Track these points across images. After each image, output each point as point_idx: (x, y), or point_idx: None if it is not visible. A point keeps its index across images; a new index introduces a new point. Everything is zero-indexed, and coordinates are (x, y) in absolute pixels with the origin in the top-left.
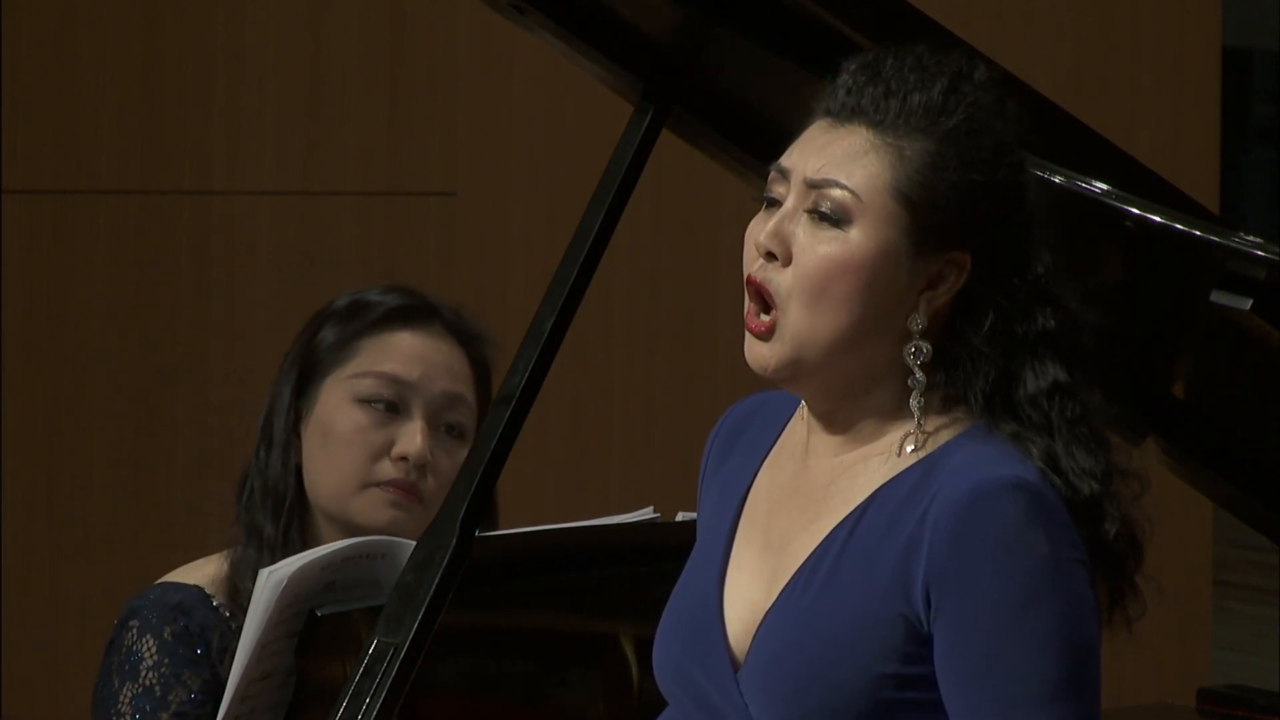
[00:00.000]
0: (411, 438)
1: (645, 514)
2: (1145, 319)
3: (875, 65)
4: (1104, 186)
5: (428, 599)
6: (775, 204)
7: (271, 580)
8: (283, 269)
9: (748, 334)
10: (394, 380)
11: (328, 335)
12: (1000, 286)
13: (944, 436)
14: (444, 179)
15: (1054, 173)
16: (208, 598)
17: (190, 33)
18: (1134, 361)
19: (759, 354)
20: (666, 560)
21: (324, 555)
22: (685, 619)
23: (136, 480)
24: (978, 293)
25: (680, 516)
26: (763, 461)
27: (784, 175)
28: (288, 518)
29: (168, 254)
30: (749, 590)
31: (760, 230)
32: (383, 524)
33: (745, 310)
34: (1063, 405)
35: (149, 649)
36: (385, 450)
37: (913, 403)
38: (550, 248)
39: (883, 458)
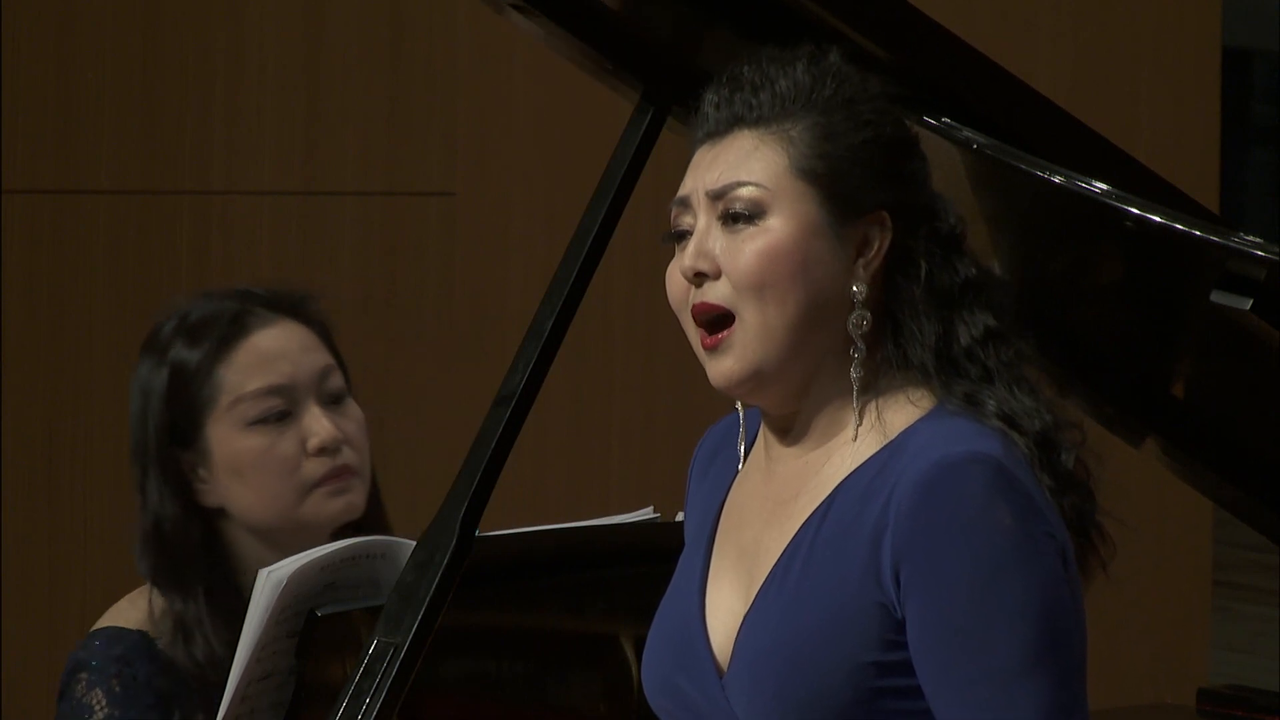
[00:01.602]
0: (318, 426)
1: (645, 514)
2: (1145, 319)
3: (732, 78)
4: (1104, 186)
5: (428, 599)
6: (684, 235)
7: (271, 580)
8: (283, 269)
9: (706, 355)
10: (272, 391)
11: (181, 373)
12: (922, 237)
13: (903, 422)
14: (443, 179)
15: (1054, 173)
16: (151, 641)
17: (190, 33)
18: (1133, 361)
19: (723, 368)
20: (666, 560)
21: (324, 555)
22: (670, 635)
23: None
24: (905, 247)
25: (680, 516)
26: (735, 477)
27: (685, 204)
28: (200, 573)
29: (168, 254)
30: (729, 600)
31: (679, 264)
32: (336, 514)
33: (695, 342)
34: (998, 351)
35: (98, 701)
36: (300, 452)
37: (852, 372)
38: (550, 248)
39: (845, 450)
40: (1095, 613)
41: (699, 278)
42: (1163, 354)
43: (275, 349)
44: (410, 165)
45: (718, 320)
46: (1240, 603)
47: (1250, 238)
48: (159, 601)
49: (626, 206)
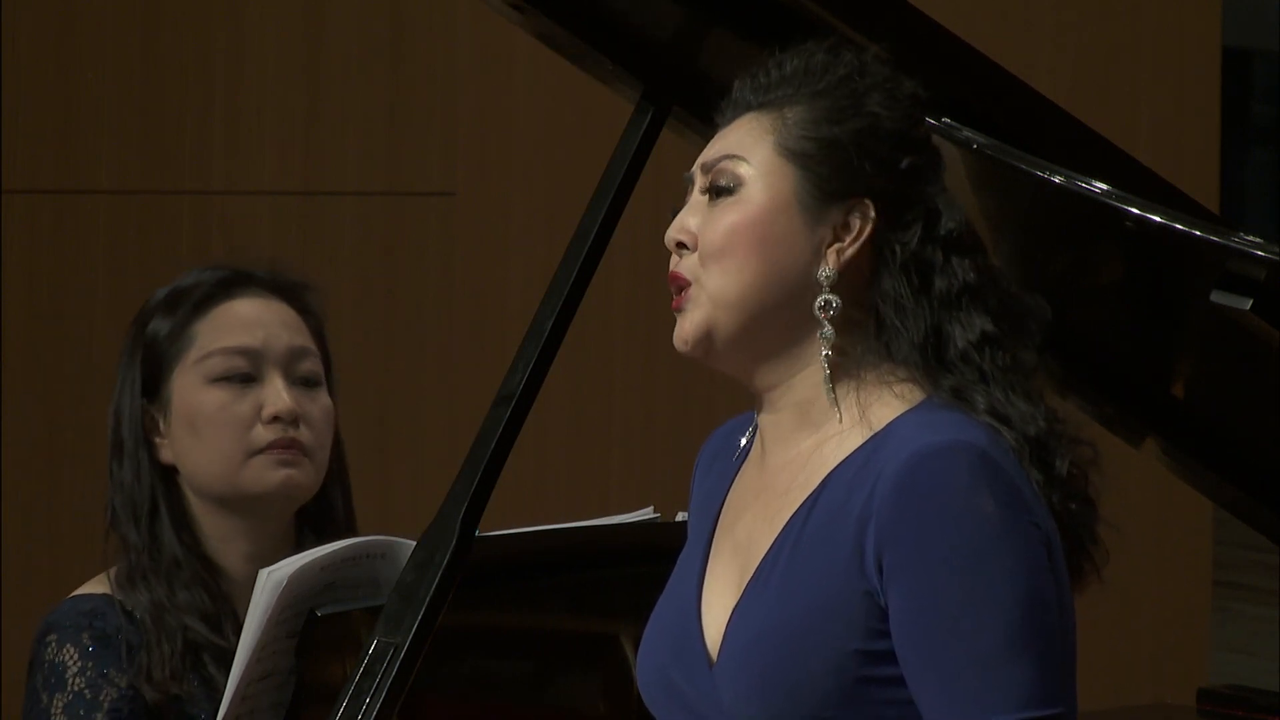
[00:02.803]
0: (276, 396)
1: (645, 514)
2: (1145, 319)
3: (759, 69)
4: (1104, 186)
5: (428, 599)
6: None
7: (271, 580)
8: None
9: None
10: (240, 352)
11: (159, 329)
12: (912, 232)
13: (891, 413)
14: (443, 179)
15: (1054, 173)
16: (118, 603)
17: (190, 33)
18: (1133, 361)
19: (678, 330)
20: (666, 560)
21: (324, 555)
22: (665, 628)
23: None
24: (889, 241)
25: (680, 516)
26: (735, 476)
27: (690, 180)
28: (150, 520)
29: (168, 254)
30: (722, 593)
31: None
32: (275, 485)
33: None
34: (994, 355)
35: (71, 657)
36: (255, 417)
37: (821, 353)
38: (550, 248)
39: (833, 441)
40: (1096, 613)
41: (679, 248)
42: (1163, 354)
43: (252, 316)
44: (410, 165)
45: (683, 290)
46: (1240, 603)
47: (1250, 238)
48: (120, 561)
49: (626, 206)
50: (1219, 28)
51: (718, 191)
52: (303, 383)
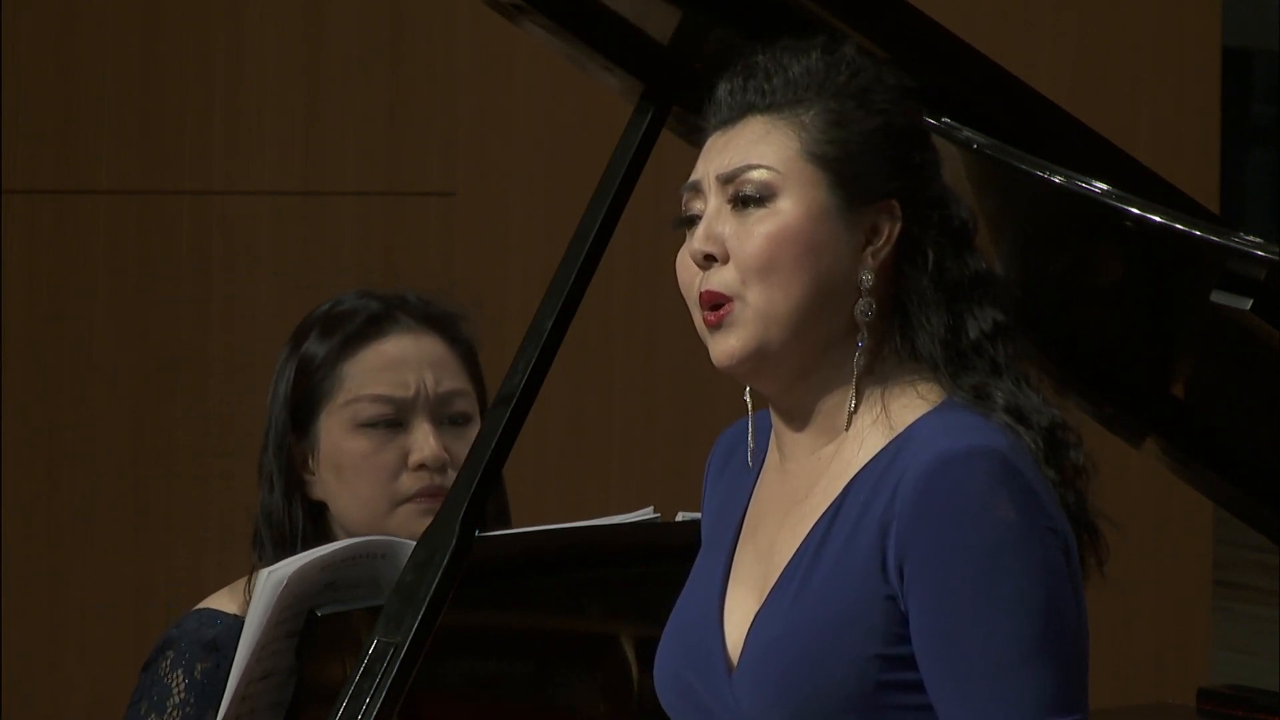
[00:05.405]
0: (424, 443)
1: (645, 514)
2: (1145, 319)
3: (748, 66)
4: (1104, 186)
5: (428, 599)
6: (694, 220)
7: (271, 580)
8: (283, 269)
9: (709, 334)
10: (388, 399)
11: (314, 354)
12: (931, 227)
13: (911, 416)
14: (443, 179)
15: (1054, 173)
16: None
17: (190, 33)
18: (1133, 362)
19: (724, 347)
20: (666, 560)
21: (324, 555)
22: (684, 633)
23: (136, 480)
24: (914, 236)
25: (680, 516)
26: (754, 481)
27: (696, 189)
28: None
29: (168, 254)
30: (744, 601)
31: (688, 248)
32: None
33: (700, 324)
34: (1005, 346)
35: (178, 685)
36: (401, 464)
37: (855, 360)
38: (550, 248)
39: (854, 443)
40: (1096, 613)
41: (707, 261)
42: (1163, 354)
43: (403, 358)
44: (410, 165)
45: (722, 305)
46: (1240, 603)
47: (1250, 238)
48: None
49: (626, 206)
50: (1219, 28)
51: (745, 201)
52: (451, 422)
